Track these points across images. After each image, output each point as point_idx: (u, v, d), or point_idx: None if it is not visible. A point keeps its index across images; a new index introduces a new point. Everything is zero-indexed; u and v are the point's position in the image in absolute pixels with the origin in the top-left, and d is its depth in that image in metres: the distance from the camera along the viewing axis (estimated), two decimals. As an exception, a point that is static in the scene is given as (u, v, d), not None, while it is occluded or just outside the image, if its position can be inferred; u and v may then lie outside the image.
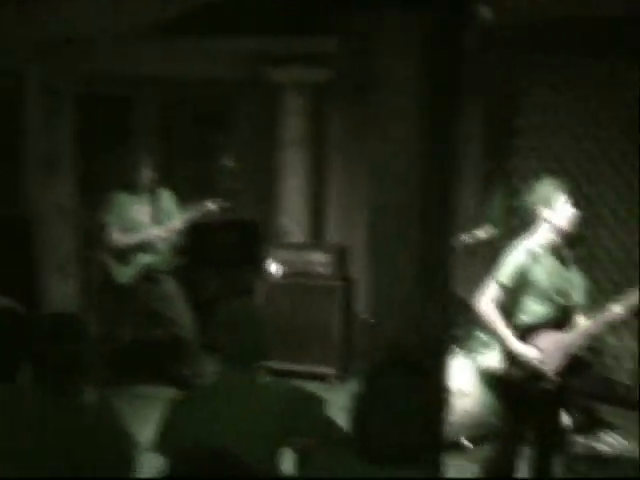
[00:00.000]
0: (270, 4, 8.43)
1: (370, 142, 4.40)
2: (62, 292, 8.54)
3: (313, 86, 10.09)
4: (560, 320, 5.50)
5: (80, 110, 8.94)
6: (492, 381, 6.96)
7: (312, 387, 6.77)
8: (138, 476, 3.73)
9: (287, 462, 4.00)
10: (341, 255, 9.02)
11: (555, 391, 5.53)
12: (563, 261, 5.58)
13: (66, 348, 3.67)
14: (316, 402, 4.00)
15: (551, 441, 5.88)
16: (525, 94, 8.68)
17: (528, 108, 8.69)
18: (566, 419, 6.78)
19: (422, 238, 4.11)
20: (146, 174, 7.94)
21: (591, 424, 7.55)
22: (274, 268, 8.78)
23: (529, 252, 5.42)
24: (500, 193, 8.79)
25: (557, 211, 5.45)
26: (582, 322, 5.53)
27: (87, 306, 8.66)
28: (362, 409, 3.03)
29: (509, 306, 5.58)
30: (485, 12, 5.83)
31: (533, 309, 5.47)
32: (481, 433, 7.04)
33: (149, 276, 7.99)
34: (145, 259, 7.95)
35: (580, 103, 8.40)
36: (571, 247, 5.69)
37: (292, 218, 9.98)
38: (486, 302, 5.49)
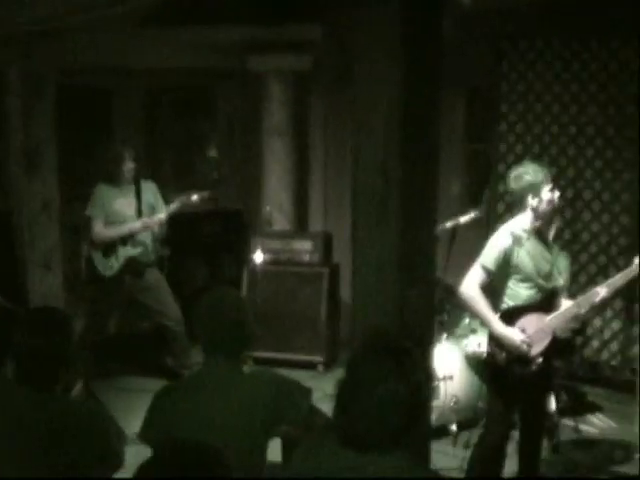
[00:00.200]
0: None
1: (351, 130, 4.40)
2: (47, 286, 8.53)
3: (296, 74, 10.08)
4: (545, 303, 5.52)
5: (62, 103, 8.92)
6: (478, 365, 6.98)
7: (299, 375, 6.81)
8: (125, 468, 3.72)
9: (273, 451, 4.02)
10: (326, 242, 9.03)
11: (541, 374, 5.55)
12: (547, 244, 5.60)
13: (51, 342, 3.67)
14: (301, 391, 4.01)
15: (538, 424, 5.90)
16: (508, 80, 8.68)
17: (512, 94, 8.69)
18: (552, 401, 6.81)
19: (404, 224, 4.12)
20: (129, 166, 7.91)
21: (577, 406, 7.59)
22: (259, 257, 8.78)
23: (513, 236, 5.44)
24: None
25: (543, 197, 5.46)
26: (567, 304, 5.55)
27: (72, 300, 8.65)
28: (344, 395, 3.04)
29: (494, 289, 5.60)
30: (464, -2, 5.84)
31: (518, 292, 5.49)
32: (468, 417, 7.07)
33: (134, 268, 7.97)
34: (130, 251, 7.93)
35: (564, 88, 8.41)
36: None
37: (276, 206, 9.98)
38: (470, 286, 5.50)
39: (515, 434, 5.92)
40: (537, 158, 8.05)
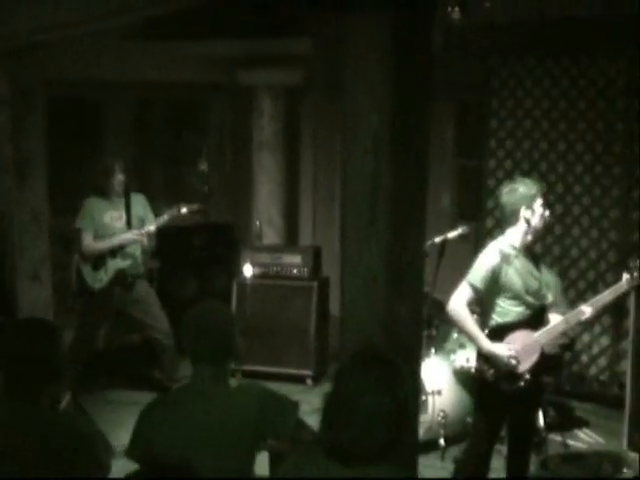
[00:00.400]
0: (243, 7, 8.44)
1: (341, 143, 4.41)
2: (36, 297, 8.51)
3: (286, 88, 10.11)
4: (533, 320, 5.53)
5: (52, 115, 8.93)
6: (466, 380, 7.00)
7: (287, 389, 6.82)
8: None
9: (260, 464, 4.01)
10: (315, 256, 9.03)
11: (529, 389, 5.55)
12: (535, 261, 5.61)
13: (39, 353, 3.67)
14: (289, 404, 4.01)
15: (526, 439, 5.90)
16: (498, 96, 8.73)
17: (501, 110, 8.74)
18: (540, 416, 6.82)
19: (392, 238, 4.12)
20: (118, 179, 7.91)
21: (565, 421, 7.60)
22: (249, 270, 8.78)
23: (502, 254, 5.44)
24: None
25: (536, 210, 5.47)
26: (555, 321, 5.56)
27: (61, 311, 8.63)
28: (330, 408, 3.05)
29: (482, 307, 5.62)
30: (455, 13, 5.85)
31: (506, 310, 5.50)
32: (456, 432, 7.07)
33: (123, 281, 7.97)
34: (119, 264, 7.93)
35: (553, 105, 8.45)
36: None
37: (266, 220, 9.99)
38: (458, 304, 5.51)
39: (503, 449, 5.92)
40: (526, 174, 8.09)
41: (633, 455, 6.73)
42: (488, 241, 5.79)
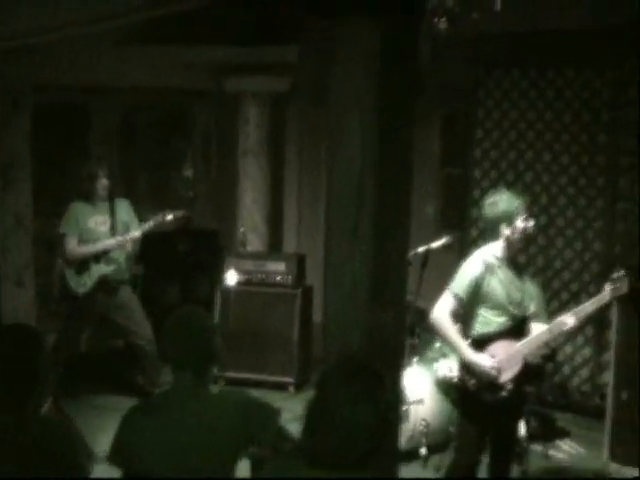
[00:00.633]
0: (230, 14, 8.44)
1: (326, 151, 4.42)
2: (19, 301, 8.49)
3: (272, 96, 10.13)
4: (515, 330, 5.54)
5: (38, 119, 8.91)
6: (449, 389, 6.99)
7: (270, 396, 6.81)
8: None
9: (241, 472, 4.01)
10: (299, 264, 9.03)
11: (511, 400, 5.56)
12: (518, 272, 5.62)
13: (23, 358, 3.66)
14: (270, 412, 4.00)
15: (507, 449, 5.91)
16: (484, 107, 8.75)
17: (487, 121, 8.76)
18: (522, 427, 6.83)
19: (376, 247, 4.13)
20: (103, 184, 7.89)
21: (547, 431, 7.61)
22: (233, 277, 8.78)
23: (485, 264, 5.46)
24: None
25: (516, 227, 5.48)
26: (537, 331, 5.57)
27: (45, 316, 8.61)
28: (312, 415, 3.05)
29: (465, 316, 5.63)
30: (442, 24, 5.86)
31: (489, 319, 5.51)
32: (438, 441, 7.07)
33: (107, 286, 7.95)
34: (103, 269, 7.91)
35: (538, 116, 8.48)
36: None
37: (250, 227, 10.00)
38: (441, 313, 5.52)
39: (485, 459, 5.93)
40: (511, 184, 8.12)
41: (614, 466, 6.74)
42: (472, 251, 5.80)
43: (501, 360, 5.45)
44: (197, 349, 3.89)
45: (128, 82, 9.98)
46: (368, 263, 4.12)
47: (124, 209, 8.10)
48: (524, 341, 5.53)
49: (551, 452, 7.30)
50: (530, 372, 5.63)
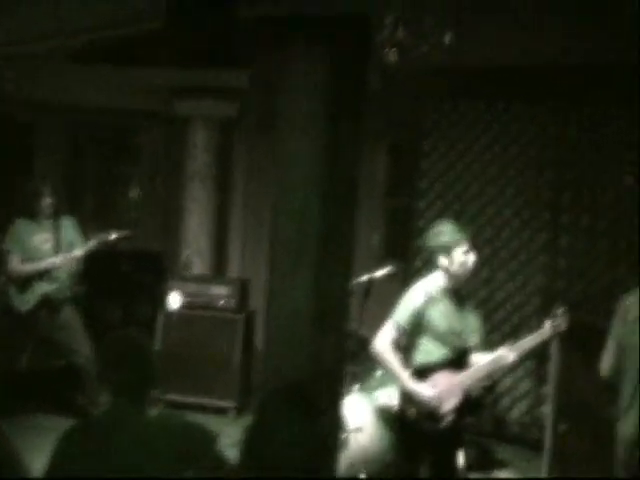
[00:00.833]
0: (182, 37, 8.43)
1: (272, 178, 4.43)
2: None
3: (221, 120, 10.13)
4: (456, 361, 5.58)
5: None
6: (388, 418, 7.00)
7: (210, 420, 6.76)
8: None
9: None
10: (242, 289, 9.02)
11: (450, 430, 5.59)
12: (460, 303, 5.66)
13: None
14: (208, 436, 3.98)
15: (446, 479, 5.92)
16: (430, 138, 8.80)
17: (433, 152, 8.81)
18: (461, 457, 6.84)
19: (319, 275, 4.15)
20: (47, 201, 7.84)
21: (485, 462, 7.63)
22: (175, 300, 8.74)
23: (426, 294, 5.50)
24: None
25: (456, 260, 5.52)
26: (478, 363, 5.61)
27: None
28: (250, 441, 3.05)
29: (406, 346, 5.65)
30: (391, 55, 5.90)
31: (430, 350, 5.54)
32: (378, 469, 7.06)
33: (49, 305, 7.88)
34: (45, 287, 7.85)
35: (485, 149, 8.55)
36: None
37: (195, 250, 9.97)
38: (383, 342, 5.55)
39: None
40: (456, 216, 8.16)
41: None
42: (415, 281, 5.83)
43: (442, 390, 5.48)
44: (135, 373, 3.86)
45: (76, 100, 9.93)
46: (310, 290, 4.13)
47: (69, 227, 8.05)
48: (465, 372, 5.57)
49: (489, 482, 7.34)
50: (470, 403, 5.66)
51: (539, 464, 7.13)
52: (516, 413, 8.45)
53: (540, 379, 8.21)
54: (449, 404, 5.52)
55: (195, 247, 10.01)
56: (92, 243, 7.90)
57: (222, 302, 8.93)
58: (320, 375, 4.16)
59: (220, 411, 8.60)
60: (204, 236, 10.13)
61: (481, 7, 6.24)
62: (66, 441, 3.90)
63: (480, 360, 5.64)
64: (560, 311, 5.73)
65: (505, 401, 8.47)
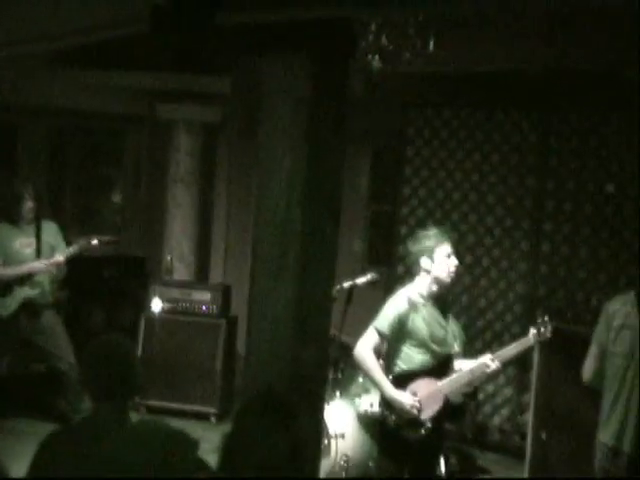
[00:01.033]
0: (166, 41, 8.42)
1: (255, 183, 4.43)
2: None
3: (204, 125, 10.13)
4: (438, 368, 5.58)
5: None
6: (370, 425, 7.00)
7: (191, 426, 6.75)
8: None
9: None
10: (225, 294, 9.01)
11: (431, 437, 5.59)
12: (442, 310, 5.67)
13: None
14: (188, 442, 3.97)
15: (426, 486, 5.94)
16: (413, 145, 8.82)
17: (416, 159, 8.82)
18: (442, 464, 6.85)
19: (301, 281, 4.15)
20: (29, 205, 7.81)
21: (467, 470, 7.64)
22: (157, 305, 8.73)
23: (409, 301, 5.50)
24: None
25: (438, 263, 5.53)
26: (460, 371, 5.61)
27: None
28: (228, 448, 3.04)
29: (388, 353, 5.65)
30: (375, 62, 5.92)
31: (411, 357, 5.54)
32: (359, 476, 7.06)
33: (31, 309, 7.85)
34: (27, 292, 7.81)
35: (467, 156, 8.57)
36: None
37: (178, 255, 9.96)
38: (364, 348, 5.56)
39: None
40: (439, 223, 8.18)
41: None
42: (397, 287, 5.84)
43: (422, 398, 5.48)
44: (116, 379, 3.85)
45: (59, 104, 9.91)
46: (292, 296, 4.13)
47: (51, 232, 8.02)
48: (446, 380, 5.58)
49: (469, 490, 7.35)
50: (451, 410, 5.66)
51: (520, 471, 7.15)
52: (497, 420, 8.46)
53: (521, 386, 8.23)
54: (429, 411, 5.52)
55: (178, 252, 10.00)
56: (74, 248, 7.87)
57: (204, 308, 8.92)
58: (301, 381, 4.15)
59: (202, 416, 8.59)
60: (187, 241, 10.13)
61: (463, 15, 6.26)
62: (47, 446, 3.89)
63: (462, 367, 5.65)
64: (543, 320, 5.74)
65: (486, 408, 8.49)
